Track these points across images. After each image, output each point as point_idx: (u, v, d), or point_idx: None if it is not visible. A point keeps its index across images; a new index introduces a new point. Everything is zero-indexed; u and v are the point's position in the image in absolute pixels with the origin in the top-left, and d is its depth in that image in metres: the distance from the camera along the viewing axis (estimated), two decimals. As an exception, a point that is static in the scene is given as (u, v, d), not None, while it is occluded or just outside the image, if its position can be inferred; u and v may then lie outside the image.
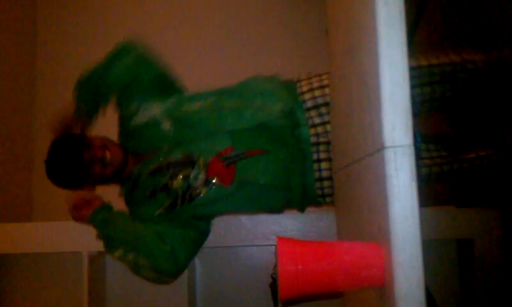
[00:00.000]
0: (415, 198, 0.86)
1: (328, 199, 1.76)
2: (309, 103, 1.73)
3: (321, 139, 1.71)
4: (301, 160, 1.71)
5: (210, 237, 2.02)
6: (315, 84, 1.75)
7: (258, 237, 2.02)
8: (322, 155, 1.71)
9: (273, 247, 2.05)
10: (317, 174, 1.72)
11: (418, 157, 0.81)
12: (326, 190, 1.73)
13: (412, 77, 0.91)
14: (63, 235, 2.20)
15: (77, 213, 1.79)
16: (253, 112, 1.69)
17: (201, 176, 1.68)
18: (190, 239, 1.76)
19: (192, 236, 1.77)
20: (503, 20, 1.88)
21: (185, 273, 2.14)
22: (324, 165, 1.71)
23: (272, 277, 1.73)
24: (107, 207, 1.80)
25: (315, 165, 1.72)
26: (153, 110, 1.75)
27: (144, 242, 1.70)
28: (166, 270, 1.71)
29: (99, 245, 2.18)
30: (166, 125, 1.72)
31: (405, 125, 0.88)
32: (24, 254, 2.38)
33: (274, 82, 1.81)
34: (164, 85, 1.86)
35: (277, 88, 1.77)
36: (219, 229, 2.05)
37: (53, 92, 2.83)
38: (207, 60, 2.86)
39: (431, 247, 2.14)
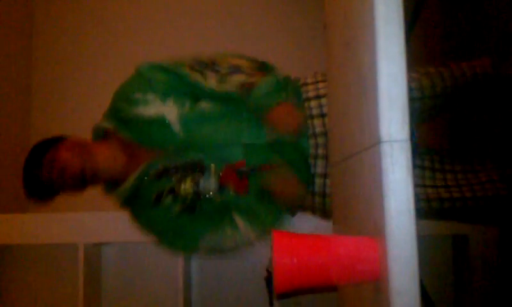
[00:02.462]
0: (410, 193, 0.86)
1: (317, 213, 1.74)
2: (314, 111, 1.65)
3: (320, 151, 1.65)
4: (306, 171, 1.66)
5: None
6: (322, 91, 1.66)
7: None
8: (318, 170, 1.65)
9: (269, 241, 2.05)
10: (310, 188, 1.68)
11: (415, 152, 0.81)
12: (317, 204, 1.70)
13: (412, 89, 0.91)
14: (59, 226, 2.21)
15: None
16: (271, 127, 1.62)
17: (214, 184, 1.62)
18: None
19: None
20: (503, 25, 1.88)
21: (181, 267, 2.14)
22: (318, 180, 1.66)
23: (268, 271, 1.73)
24: None
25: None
26: (165, 108, 1.61)
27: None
28: None
29: (95, 237, 2.18)
30: (176, 126, 1.59)
31: (402, 120, 0.88)
32: (20, 245, 2.39)
33: (291, 87, 1.70)
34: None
35: (294, 95, 1.67)
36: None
37: (49, 92, 2.84)
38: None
39: (426, 242, 2.15)
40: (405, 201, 0.86)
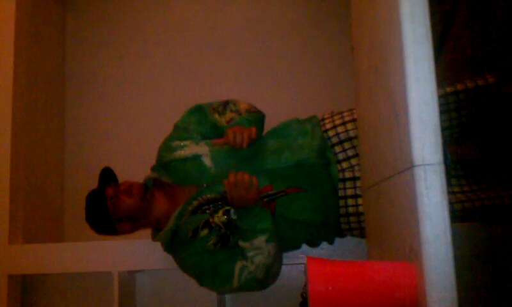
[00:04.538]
0: (446, 217, 0.85)
1: (355, 232, 1.78)
2: (333, 140, 1.78)
3: (347, 175, 1.74)
4: (334, 196, 1.74)
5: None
6: (337, 121, 1.81)
7: (287, 256, 2.01)
8: (349, 192, 1.74)
9: (302, 265, 2.04)
10: (343, 210, 1.74)
11: (450, 179, 0.80)
12: (353, 225, 1.75)
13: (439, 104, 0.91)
14: (93, 255, 2.23)
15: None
16: (292, 152, 1.76)
17: None
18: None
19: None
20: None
21: (215, 294, 2.14)
22: (350, 201, 1.73)
23: (302, 297, 1.71)
24: None
25: (342, 202, 1.74)
26: (198, 148, 1.78)
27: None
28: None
29: (129, 265, 2.20)
30: (208, 161, 1.75)
31: (434, 143, 0.88)
32: (56, 274, 2.41)
33: (311, 122, 1.86)
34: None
35: (314, 127, 1.83)
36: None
37: (83, 112, 2.87)
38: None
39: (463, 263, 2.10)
40: (441, 225, 0.85)
